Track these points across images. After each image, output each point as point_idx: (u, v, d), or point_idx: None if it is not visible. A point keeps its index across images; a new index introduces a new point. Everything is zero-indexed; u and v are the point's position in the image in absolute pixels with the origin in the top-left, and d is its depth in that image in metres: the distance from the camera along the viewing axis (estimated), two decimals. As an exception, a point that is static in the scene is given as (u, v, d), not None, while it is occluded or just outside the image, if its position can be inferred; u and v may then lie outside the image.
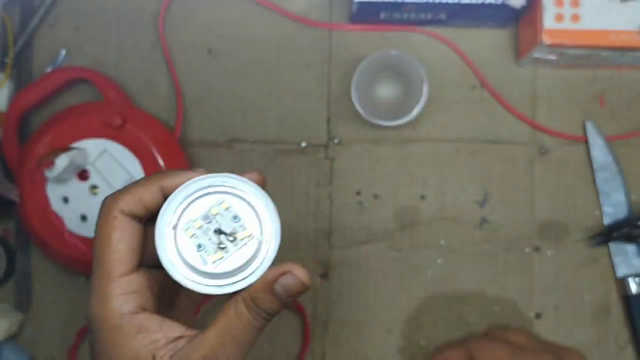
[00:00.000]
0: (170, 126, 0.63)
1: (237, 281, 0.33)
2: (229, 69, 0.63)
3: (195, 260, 0.33)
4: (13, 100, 0.60)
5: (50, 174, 0.53)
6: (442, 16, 0.61)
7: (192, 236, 0.33)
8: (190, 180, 0.33)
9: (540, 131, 0.63)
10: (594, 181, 0.62)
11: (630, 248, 0.61)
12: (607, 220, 0.62)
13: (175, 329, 0.34)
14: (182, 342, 0.33)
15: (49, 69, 0.63)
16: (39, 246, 0.60)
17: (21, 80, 0.63)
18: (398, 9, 0.59)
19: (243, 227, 0.33)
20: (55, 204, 0.57)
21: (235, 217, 0.33)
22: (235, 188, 0.33)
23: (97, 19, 0.63)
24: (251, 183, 0.34)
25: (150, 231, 0.34)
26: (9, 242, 0.63)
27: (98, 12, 0.63)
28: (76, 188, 0.57)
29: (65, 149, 0.55)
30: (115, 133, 0.56)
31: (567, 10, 0.57)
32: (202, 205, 0.33)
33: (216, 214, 0.33)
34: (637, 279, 0.61)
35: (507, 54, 0.63)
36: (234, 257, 0.33)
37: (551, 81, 0.63)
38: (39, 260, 0.63)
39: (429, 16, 0.61)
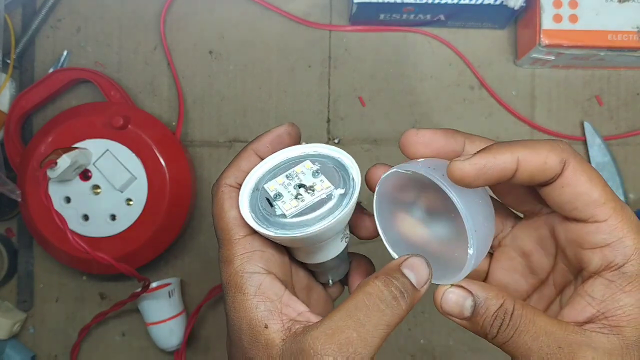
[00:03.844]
0: (172, 126, 0.63)
1: (307, 226, 0.32)
2: (230, 69, 0.64)
3: (269, 209, 0.33)
4: (15, 101, 0.61)
5: (52, 173, 0.53)
6: (441, 17, 0.61)
7: (272, 190, 0.33)
8: (286, 150, 0.35)
9: (539, 131, 0.63)
10: (592, 180, 0.63)
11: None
12: (605, 220, 0.62)
13: (296, 304, 0.33)
14: (301, 317, 0.32)
15: (51, 70, 0.63)
16: (41, 245, 0.60)
17: (23, 80, 0.63)
18: (397, 10, 0.59)
19: (322, 181, 0.33)
20: (58, 204, 0.57)
21: (316, 172, 0.34)
22: (323, 154, 0.35)
23: (99, 21, 0.64)
24: (342, 151, 0.35)
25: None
26: (11, 242, 0.63)
27: (100, 14, 0.64)
28: (78, 188, 0.57)
29: (68, 149, 0.55)
30: (117, 133, 0.56)
31: (566, 11, 0.58)
32: (288, 170, 0.34)
33: (299, 172, 0.34)
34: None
35: (505, 54, 0.64)
36: (308, 204, 0.33)
37: (549, 81, 0.64)
38: (41, 260, 0.63)
39: (428, 17, 0.61)
